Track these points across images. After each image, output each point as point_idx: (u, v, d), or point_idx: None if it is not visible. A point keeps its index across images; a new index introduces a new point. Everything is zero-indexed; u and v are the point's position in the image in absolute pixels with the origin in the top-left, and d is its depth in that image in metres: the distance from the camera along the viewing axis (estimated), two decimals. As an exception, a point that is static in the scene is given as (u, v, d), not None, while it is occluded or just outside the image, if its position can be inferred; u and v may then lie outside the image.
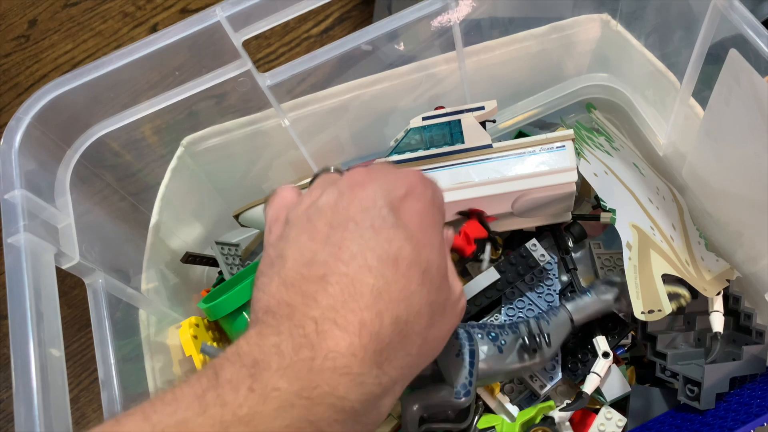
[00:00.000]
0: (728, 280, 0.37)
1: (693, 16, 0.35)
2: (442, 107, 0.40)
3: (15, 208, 0.27)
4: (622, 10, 0.41)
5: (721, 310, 0.36)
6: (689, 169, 0.41)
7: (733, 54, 0.32)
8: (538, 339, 0.33)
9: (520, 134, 0.46)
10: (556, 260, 0.39)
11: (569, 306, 0.35)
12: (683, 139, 0.41)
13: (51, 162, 0.31)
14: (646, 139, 0.43)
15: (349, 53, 0.36)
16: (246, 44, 0.79)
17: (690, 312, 0.38)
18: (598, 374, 0.35)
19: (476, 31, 0.42)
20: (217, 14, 0.30)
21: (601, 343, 0.36)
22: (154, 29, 0.78)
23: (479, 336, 0.34)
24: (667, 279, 0.35)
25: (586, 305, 0.35)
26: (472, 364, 0.33)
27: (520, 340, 0.34)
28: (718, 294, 0.36)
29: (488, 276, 0.37)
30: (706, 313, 0.37)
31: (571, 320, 0.35)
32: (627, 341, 0.38)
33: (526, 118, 0.47)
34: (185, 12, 0.79)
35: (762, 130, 0.32)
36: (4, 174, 0.28)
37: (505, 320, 0.37)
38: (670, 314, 0.36)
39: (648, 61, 0.41)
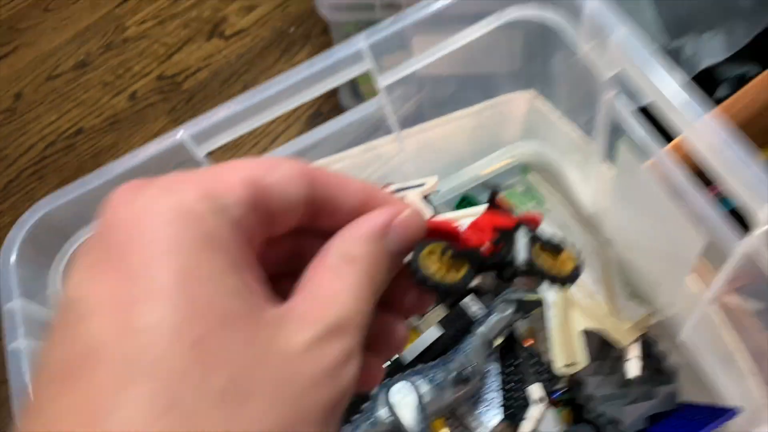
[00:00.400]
0: (646, 327, 0.42)
1: (594, 99, 0.40)
2: (390, 184, 0.46)
3: (14, 316, 0.32)
4: (542, 89, 0.47)
5: (637, 357, 0.41)
6: (611, 225, 0.47)
7: (623, 142, 0.37)
8: (464, 372, 0.39)
9: (464, 198, 0.52)
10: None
11: (482, 330, 0.41)
12: (604, 199, 0.46)
13: (43, 268, 0.36)
14: (575, 198, 0.49)
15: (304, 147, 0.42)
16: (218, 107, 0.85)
17: (615, 357, 0.43)
18: (532, 418, 0.40)
19: (417, 113, 0.48)
20: (180, 136, 0.35)
21: (534, 390, 0.41)
22: (133, 97, 0.84)
23: (419, 382, 0.39)
24: (586, 333, 0.40)
25: (493, 325, 0.41)
26: (423, 408, 0.38)
27: (451, 374, 0.39)
28: (634, 342, 0.41)
29: (431, 334, 0.42)
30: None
31: (485, 340, 0.41)
32: (561, 386, 0.43)
33: (471, 180, 0.53)
34: (162, 79, 0.85)
35: (659, 199, 0.38)
36: (3, 286, 0.33)
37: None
38: (596, 361, 0.41)
39: (569, 131, 0.47)
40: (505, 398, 0.42)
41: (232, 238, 0.15)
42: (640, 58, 0.31)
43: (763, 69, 0.47)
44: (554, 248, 0.22)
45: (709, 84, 0.60)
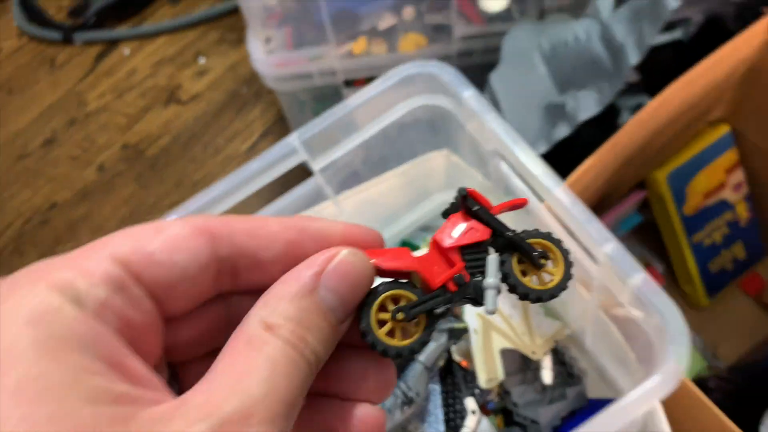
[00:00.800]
0: (557, 340, 0.53)
1: (486, 161, 0.51)
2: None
3: None
4: (453, 149, 0.57)
5: (549, 366, 0.51)
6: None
7: (511, 194, 0.48)
8: (409, 394, 0.49)
9: (404, 243, 0.62)
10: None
11: (421, 358, 0.51)
12: (518, 234, 0.57)
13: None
14: (495, 234, 0.60)
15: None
16: (182, 169, 0.95)
17: (534, 368, 0.54)
18: (468, 427, 0.50)
19: (354, 177, 0.58)
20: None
21: (469, 403, 0.51)
22: (101, 168, 0.93)
23: None
24: (503, 351, 0.51)
25: (431, 351, 0.51)
26: None
27: (398, 398, 0.49)
28: (546, 354, 0.52)
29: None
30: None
31: (426, 366, 0.51)
32: (493, 397, 0.53)
33: (409, 226, 0.63)
34: (126, 148, 0.94)
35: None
36: None
37: None
38: (520, 373, 0.52)
39: (479, 178, 0.57)
40: (447, 412, 0.52)
41: (93, 331, 0.13)
42: (508, 141, 0.42)
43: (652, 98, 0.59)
44: (536, 259, 0.20)
45: (612, 112, 0.71)
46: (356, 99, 0.46)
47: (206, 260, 0.16)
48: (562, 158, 0.56)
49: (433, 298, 0.19)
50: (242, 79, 0.97)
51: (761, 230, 0.78)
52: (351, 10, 0.71)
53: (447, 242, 0.20)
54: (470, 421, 0.51)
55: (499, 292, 0.20)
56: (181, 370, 0.18)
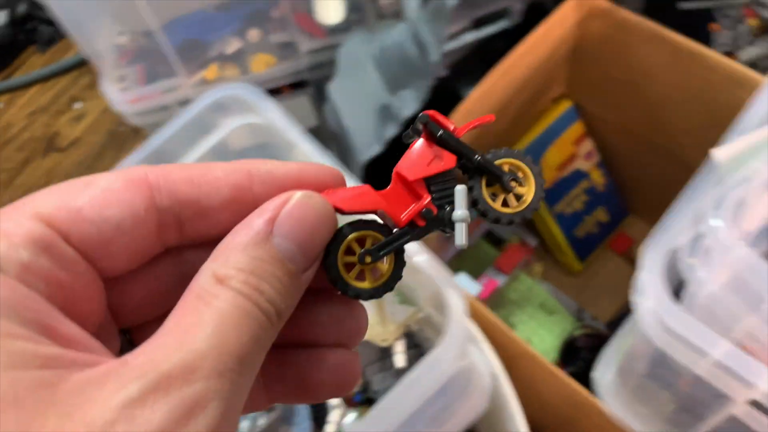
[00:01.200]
0: (409, 325, 0.57)
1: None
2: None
3: None
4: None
5: (401, 351, 0.55)
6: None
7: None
8: None
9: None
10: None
11: None
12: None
13: None
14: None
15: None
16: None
17: (391, 355, 0.57)
18: (332, 421, 0.53)
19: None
20: None
21: (331, 400, 0.54)
22: None
23: None
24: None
25: None
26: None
27: None
28: (398, 339, 0.55)
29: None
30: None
31: None
32: (359, 389, 0.57)
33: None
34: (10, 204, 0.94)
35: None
36: None
37: None
38: (378, 361, 0.55)
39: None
40: (313, 410, 0.55)
41: (16, 295, 0.13)
42: (309, 152, 0.46)
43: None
44: (506, 183, 0.19)
45: (454, 99, 0.76)
46: (169, 128, 0.49)
47: (143, 213, 0.16)
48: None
49: (401, 236, 0.19)
50: (119, 119, 0.98)
51: (620, 192, 0.84)
52: (196, 40, 0.74)
53: (411, 175, 0.19)
54: (334, 416, 0.54)
55: (469, 222, 0.19)
56: (137, 334, 0.18)
